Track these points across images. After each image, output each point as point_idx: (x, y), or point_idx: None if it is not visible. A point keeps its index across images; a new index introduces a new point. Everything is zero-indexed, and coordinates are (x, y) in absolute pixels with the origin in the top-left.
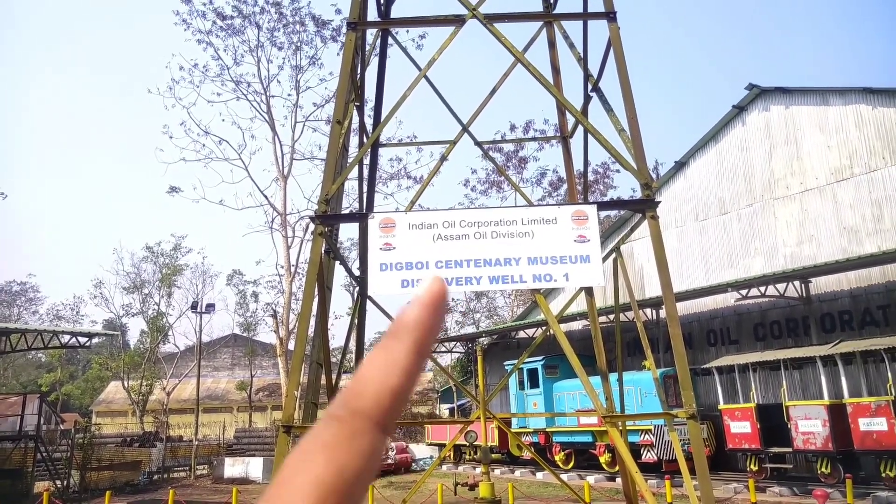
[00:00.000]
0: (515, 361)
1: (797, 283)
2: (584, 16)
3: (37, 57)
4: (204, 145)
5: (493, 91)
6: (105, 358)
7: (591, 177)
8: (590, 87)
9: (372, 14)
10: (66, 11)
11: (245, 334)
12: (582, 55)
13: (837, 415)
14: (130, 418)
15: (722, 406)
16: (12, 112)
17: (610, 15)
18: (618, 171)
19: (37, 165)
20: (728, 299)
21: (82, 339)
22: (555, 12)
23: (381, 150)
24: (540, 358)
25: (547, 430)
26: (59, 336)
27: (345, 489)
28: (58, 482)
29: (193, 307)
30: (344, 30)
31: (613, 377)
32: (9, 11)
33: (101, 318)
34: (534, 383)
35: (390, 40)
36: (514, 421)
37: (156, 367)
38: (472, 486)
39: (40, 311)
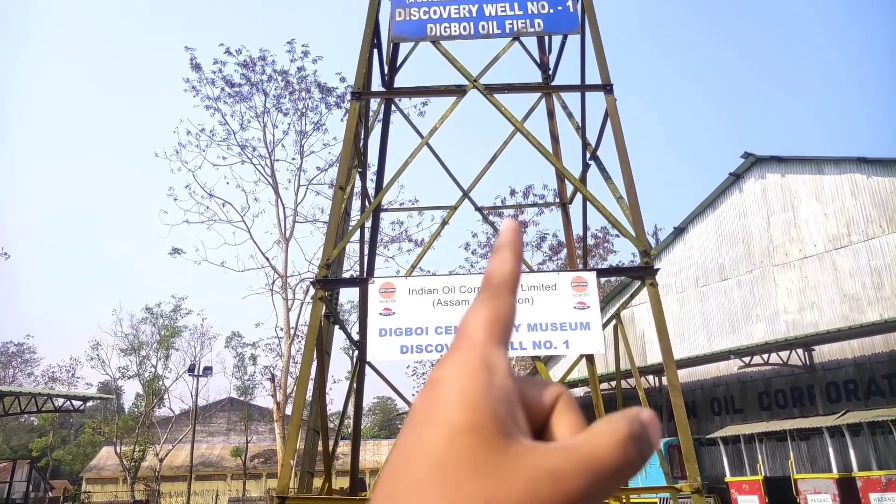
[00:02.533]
0: None
1: (800, 350)
2: (582, 88)
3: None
4: (208, 207)
5: (494, 158)
6: (98, 422)
7: (591, 241)
8: (588, 155)
9: (376, 83)
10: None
11: (242, 398)
12: (580, 125)
13: (847, 488)
14: (121, 486)
15: (729, 478)
16: (13, 167)
17: (606, 87)
18: (618, 235)
19: (37, 224)
20: (731, 367)
21: (76, 403)
22: (553, 84)
23: (383, 214)
24: None
25: None
26: (53, 399)
27: (504, 323)
28: None
29: (191, 370)
30: (348, 97)
31: None
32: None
33: (96, 381)
34: None
35: (393, 107)
36: None
37: (150, 431)
38: None
39: (35, 373)
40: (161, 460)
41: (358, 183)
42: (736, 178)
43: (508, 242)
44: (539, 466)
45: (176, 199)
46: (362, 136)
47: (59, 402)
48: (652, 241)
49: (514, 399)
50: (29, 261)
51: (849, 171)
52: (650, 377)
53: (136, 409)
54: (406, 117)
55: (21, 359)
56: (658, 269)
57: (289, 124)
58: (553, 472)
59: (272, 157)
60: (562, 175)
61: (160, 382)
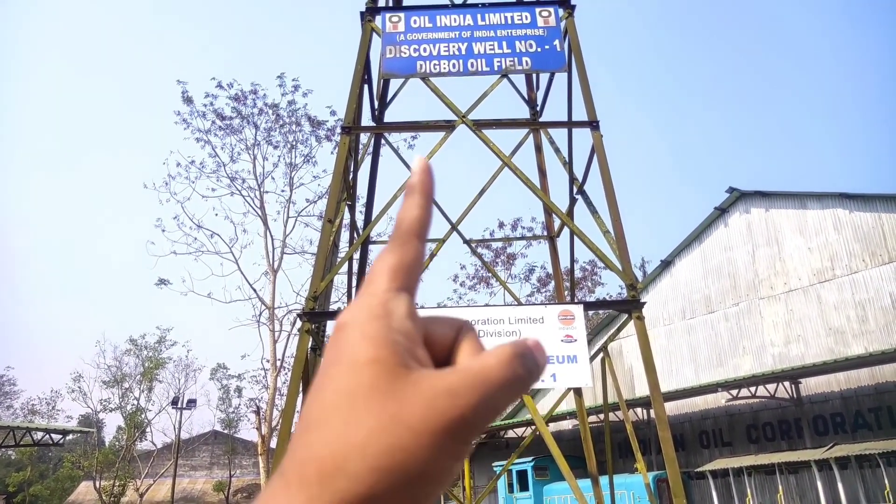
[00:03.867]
0: (504, 463)
1: (787, 383)
2: (569, 124)
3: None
4: (196, 238)
5: (482, 192)
6: (78, 456)
7: (578, 273)
8: (575, 189)
9: (366, 117)
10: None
11: (226, 431)
12: (567, 160)
13: None
14: None
15: None
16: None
17: (593, 124)
18: (605, 268)
19: (26, 249)
20: (719, 399)
21: (56, 437)
22: (541, 120)
23: (371, 247)
24: (529, 459)
25: None
26: (32, 433)
27: (409, 269)
28: None
29: (174, 402)
30: (338, 131)
31: (605, 480)
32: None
33: (77, 413)
34: (523, 486)
35: (383, 141)
36: None
37: (130, 465)
38: None
39: (14, 406)
40: (141, 495)
41: (347, 215)
42: (721, 212)
43: (419, 184)
44: (437, 386)
45: (164, 230)
46: (352, 170)
47: (39, 435)
48: (639, 274)
49: (415, 337)
50: (10, 289)
51: (831, 206)
52: (638, 409)
53: (116, 443)
54: (396, 151)
55: (1, 391)
56: (644, 303)
57: (279, 157)
58: (449, 390)
59: (261, 189)
60: (549, 209)
61: (142, 415)
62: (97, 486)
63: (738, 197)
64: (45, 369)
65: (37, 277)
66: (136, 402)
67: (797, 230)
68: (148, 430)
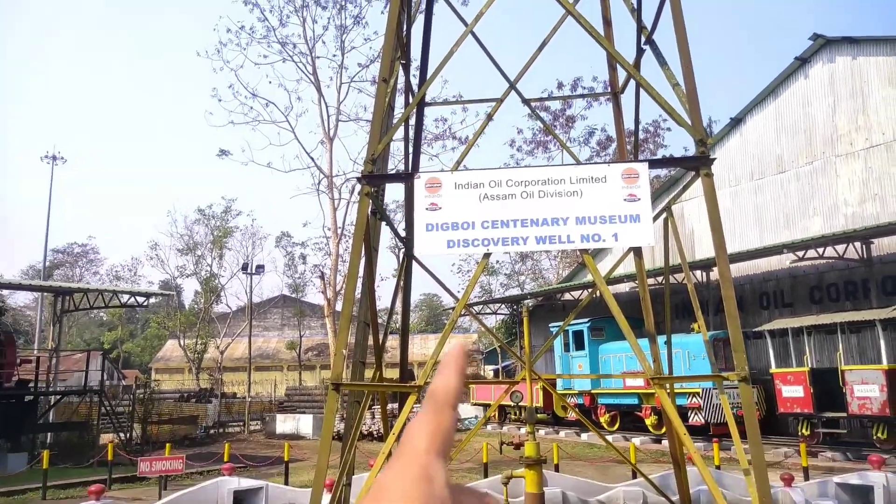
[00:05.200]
0: (561, 323)
1: (858, 244)
2: None
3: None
4: (251, 108)
5: (543, 45)
6: (162, 317)
7: (641, 135)
8: (643, 39)
9: None
10: None
11: (294, 295)
12: (636, 6)
13: None
14: (187, 375)
15: (774, 370)
16: (63, 74)
17: None
18: (669, 129)
19: (91, 132)
20: (783, 261)
21: (140, 299)
22: None
23: (427, 110)
24: (586, 320)
25: (592, 391)
26: (119, 296)
27: (444, 436)
28: (121, 435)
29: (244, 268)
30: None
31: (661, 339)
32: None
33: (157, 279)
34: (579, 345)
35: None
36: (559, 382)
37: (209, 326)
38: (518, 446)
39: (100, 272)
40: (222, 353)
41: (401, 78)
42: (802, 62)
43: (453, 362)
44: None
45: (220, 100)
46: (405, 27)
47: (125, 298)
48: (707, 133)
49: None
50: (84, 164)
51: None
52: (697, 272)
53: (195, 306)
54: (449, 4)
55: (86, 259)
56: (714, 159)
57: (328, 19)
58: None
59: (313, 54)
60: (614, 61)
61: (216, 281)
62: (182, 343)
63: (823, 45)
64: (122, 240)
65: (107, 147)
66: (209, 268)
67: (886, 79)
68: (222, 294)
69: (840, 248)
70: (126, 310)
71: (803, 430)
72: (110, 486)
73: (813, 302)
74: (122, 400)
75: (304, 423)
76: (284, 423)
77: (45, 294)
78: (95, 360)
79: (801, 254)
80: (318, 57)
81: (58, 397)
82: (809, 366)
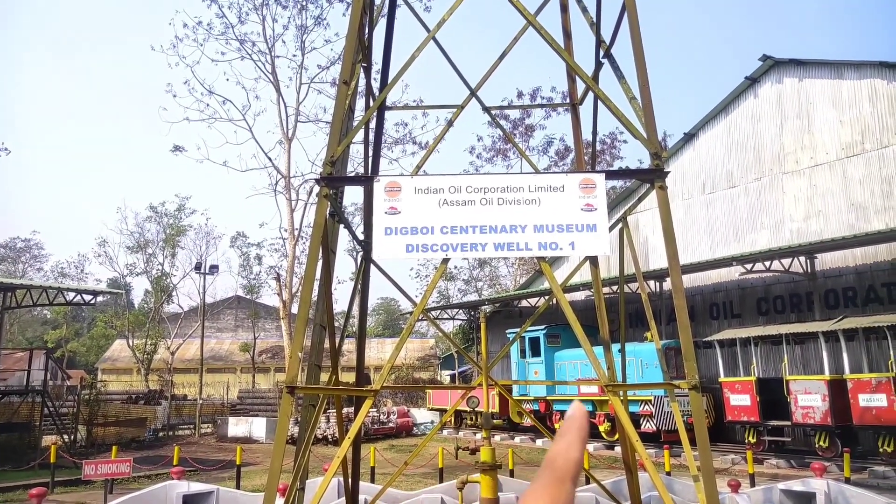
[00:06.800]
0: (517, 330)
1: (803, 258)
2: None
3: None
4: (208, 105)
5: (504, 54)
6: (110, 316)
7: (598, 147)
8: (601, 53)
9: None
10: None
11: (248, 296)
12: (595, 20)
13: (838, 390)
14: (135, 376)
15: (722, 378)
16: (13, 67)
17: None
18: (625, 141)
19: (38, 121)
20: (732, 273)
21: (87, 297)
22: None
23: (388, 114)
24: (542, 327)
25: (547, 398)
26: (64, 293)
27: None
28: (65, 437)
29: (197, 268)
30: None
31: (615, 347)
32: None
33: (105, 277)
34: (535, 352)
35: (399, 1)
36: (515, 388)
37: (160, 326)
38: (473, 451)
39: (45, 269)
40: (172, 353)
41: (362, 81)
42: (752, 82)
43: (577, 428)
44: None
45: (175, 96)
46: (367, 30)
47: (70, 296)
48: (662, 146)
49: None
50: (30, 156)
51: (869, 75)
52: (651, 282)
53: (145, 305)
54: (412, 10)
55: (29, 254)
56: (668, 172)
57: (289, 18)
58: None
59: (272, 53)
60: (573, 73)
61: (168, 280)
62: (130, 344)
63: (772, 66)
64: (68, 235)
65: (55, 139)
66: (160, 267)
67: (830, 101)
68: (174, 293)
69: (786, 261)
70: (71, 308)
71: (750, 438)
72: (53, 490)
73: (760, 313)
74: (67, 401)
75: (256, 427)
76: (237, 427)
77: None
78: (38, 359)
79: (749, 266)
80: (278, 56)
81: None
82: (756, 375)
